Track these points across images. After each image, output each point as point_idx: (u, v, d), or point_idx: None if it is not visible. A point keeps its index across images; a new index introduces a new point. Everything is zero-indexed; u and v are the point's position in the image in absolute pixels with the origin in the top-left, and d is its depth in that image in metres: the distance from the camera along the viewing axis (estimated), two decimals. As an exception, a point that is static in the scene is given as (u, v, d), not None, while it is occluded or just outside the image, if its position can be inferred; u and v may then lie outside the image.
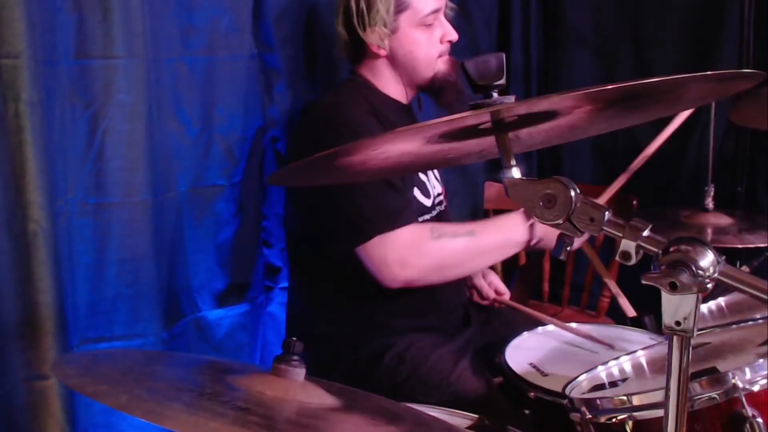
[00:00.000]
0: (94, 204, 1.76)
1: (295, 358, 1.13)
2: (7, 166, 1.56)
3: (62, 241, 1.67)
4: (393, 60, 2.01)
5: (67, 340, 1.69)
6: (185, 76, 1.94)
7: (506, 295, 2.22)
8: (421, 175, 2.02)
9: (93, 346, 1.78)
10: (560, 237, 1.07)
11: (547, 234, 1.89)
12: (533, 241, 1.91)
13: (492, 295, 2.21)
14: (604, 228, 1.01)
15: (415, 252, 1.83)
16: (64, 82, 1.68)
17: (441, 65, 2.01)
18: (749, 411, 1.25)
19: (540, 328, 2.00)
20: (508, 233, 1.92)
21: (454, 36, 2.01)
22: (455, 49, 2.10)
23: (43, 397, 1.64)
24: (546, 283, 2.79)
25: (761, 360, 1.31)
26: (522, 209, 1.86)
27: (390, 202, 1.85)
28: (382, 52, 1.99)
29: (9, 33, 1.52)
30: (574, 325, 2.02)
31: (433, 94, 2.06)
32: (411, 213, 1.89)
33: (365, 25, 1.96)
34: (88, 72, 1.71)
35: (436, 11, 1.98)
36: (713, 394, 1.27)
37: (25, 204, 1.58)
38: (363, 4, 1.95)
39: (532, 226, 1.88)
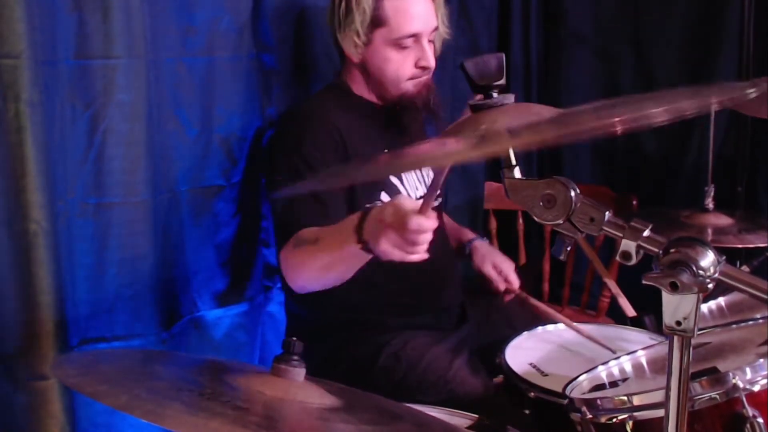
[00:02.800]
0: (94, 204, 1.76)
1: (295, 358, 1.13)
2: (7, 166, 1.56)
3: (62, 241, 1.67)
4: (364, 69, 1.98)
5: (67, 340, 1.69)
6: (185, 76, 1.94)
7: (516, 284, 2.18)
8: (393, 178, 1.98)
9: (93, 346, 1.78)
10: (560, 237, 1.07)
11: (373, 242, 1.51)
12: (365, 247, 1.55)
13: (502, 286, 2.18)
14: (604, 228, 1.01)
15: (286, 264, 1.78)
16: (64, 82, 1.68)
17: (410, 87, 1.96)
18: (750, 411, 1.25)
19: (540, 328, 2.00)
20: (341, 237, 1.60)
21: (429, 63, 1.93)
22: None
23: (44, 398, 1.64)
24: (546, 283, 2.79)
25: (761, 360, 1.31)
26: (359, 214, 1.58)
27: (308, 214, 1.79)
28: (355, 59, 1.98)
29: (9, 33, 1.52)
30: (582, 326, 2.01)
31: (397, 111, 2.00)
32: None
33: (341, 29, 1.95)
34: (88, 72, 1.71)
35: (414, 35, 1.91)
36: (713, 394, 1.28)
37: (25, 204, 1.58)
38: (343, 8, 1.93)
39: (360, 230, 1.55)
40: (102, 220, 1.77)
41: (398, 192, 1.99)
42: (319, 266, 1.70)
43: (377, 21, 1.91)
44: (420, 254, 1.47)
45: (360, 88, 2.03)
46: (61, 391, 1.65)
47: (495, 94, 1.13)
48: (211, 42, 1.98)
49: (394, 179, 1.99)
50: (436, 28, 1.97)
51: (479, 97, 1.27)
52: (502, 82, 1.15)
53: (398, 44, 1.92)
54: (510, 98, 1.13)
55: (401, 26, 1.91)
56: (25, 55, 1.54)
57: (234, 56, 2.05)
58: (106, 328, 1.81)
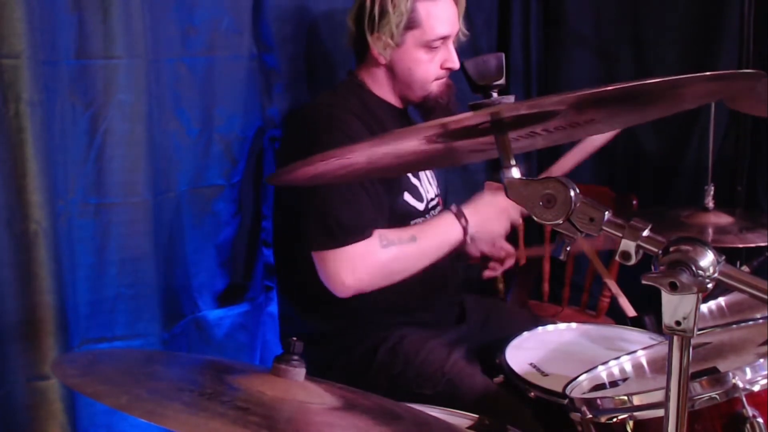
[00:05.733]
0: (95, 204, 1.76)
1: (295, 358, 1.13)
2: (7, 166, 1.56)
3: (63, 242, 1.67)
4: (391, 70, 2.01)
5: (68, 340, 1.69)
6: (185, 76, 1.94)
7: (513, 251, 2.23)
8: (413, 179, 2.03)
9: (93, 347, 1.78)
10: (560, 237, 1.07)
11: (480, 230, 1.97)
12: (468, 238, 1.95)
13: (503, 254, 2.21)
14: (604, 228, 1.01)
15: (366, 261, 1.86)
16: (65, 82, 1.68)
17: (435, 88, 2.01)
18: (749, 411, 1.25)
19: (540, 328, 2.01)
20: (445, 236, 1.94)
21: (454, 64, 1.99)
22: (456, 49, 2.10)
23: (44, 398, 1.64)
24: (546, 283, 2.79)
25: (761, 360, 1.31)
26: (453, 208, 1.95)
27: (366, 213, 1.87)
28: (382, 60, 2.00)
29: (9, 33, 1.52)
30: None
31: (422, 112, 2.07)
32: (375, 227, 1.89)
33: (373, 30, 1.96)
34: (89, 72, 1.71)
35: (444, 37, 1.97)
36: (713, 394, 1.28)
37: (25, 204, 1.58)
38: (377, 10, 1.94)
39: (465, 225, 1.93)
40: (102, 221, 1.77)
41: (418, 192, 2.03)
42: (415, 259, 1.91)
43: (411, 23, 1.95)
44: None
45: (380, 88, 2.04)
46: (61, 391, 1.65)
47: (495, 94, 1.13)
48: (212, 42, 1.99)
49: (414, 180, 2.03)
50: (459, 32, 2.03)
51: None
52: (502, 82, 1.15)
53: (429, 46, 1.97)
54: (510, 98, 1.13)
55: (434, 28, 1.96)
56: (25, 55, 1.54)
57: (235, 56, 2.06)
58: (107, 329, 1.81)
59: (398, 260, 1.89)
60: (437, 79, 2.01)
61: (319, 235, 1.86)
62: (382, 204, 1.92)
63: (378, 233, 1.88)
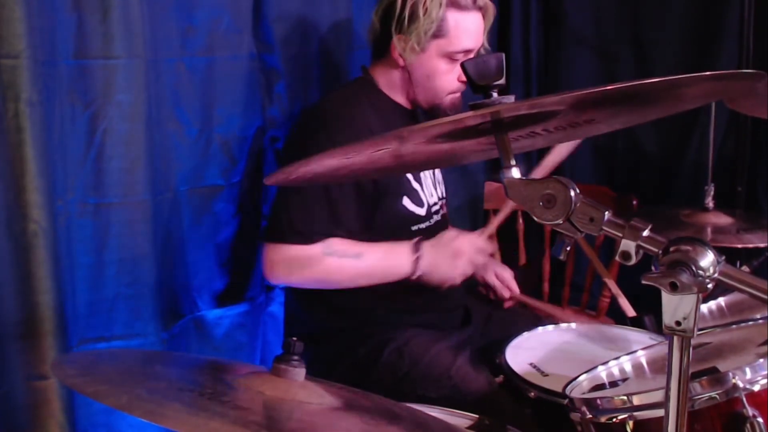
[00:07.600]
0: (94, 204, 1.76)
1: (295, 358, 1.14)
2: (7, 166, 1.56)
3: (62, 241, 1.67)
4: (408, 73, 2.01)
5: (67, 340, 1.69)
6: (185, 76, 1.94)
7: (517, 291, 2.24)
8: (414, 183, 2.02)
9: (92, 346, 1.78)
10: (560, 237, 1.07)
11: (431, 270, 1.94)
12: (416, 275, 1.94)
13: (507, 294, 2.22)
14: (604, 228, 1.01)
15: (301, 264, 1.90)
16: (64, 82, 1.68)
17: (447, 101, 2.01)
18: (749, 411, 1.25)
19: (540, 328, 2.01)
20: (392, 262, 1.94)
21: None
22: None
23: (43, 397, 1.64)
24: (546, 283, 2.79)
25: (761, 360, 1.31)
26: (414, 242, 1.94)
27: (320, 223, 1.89)
28: (402, 62, 1.99)
29: (9, 33, 1.52)
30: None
31: (427, 116, 2.06)
32: (329, 234, 1.91)
33: (400, 31, 1.95)
34: (88, 72, 1.71)
35: (468, 51, 1.97)
36: (713, 394, 1.28)
37: (24, 204, 1.58)
38: (407, 12, 1.93)
39: (417, 260, 1.93)
40: (101, 220, 1.77)
41: (418, 196, 2.02)
42: (353, 275, 1.92)
43: (438, 31, 1.94)
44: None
45: (392, 88, 2.05)
46: (60, 391, 1.65)
47: (495, 94, 1.13)
48: (211, 42, 1.98)
49: (414, 184, 2.02)
50: (482, 46, 2.02)
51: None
52: (502, 82, 1.15)
53: (451, 57, 1.96)
54: (510, 98, 1.13)
55: (460, 40, 1.95)
56: (25, 55, 1.54)
57: (234, 56, 2.05)
58: (106, 328, 1.81)
59: (336, 272, 1.91)
60: (452, 92, 2.00)
61: (270, 227, 1.95)
62: (359, 215, 1.92)
63: (326, 241, 1.89)
